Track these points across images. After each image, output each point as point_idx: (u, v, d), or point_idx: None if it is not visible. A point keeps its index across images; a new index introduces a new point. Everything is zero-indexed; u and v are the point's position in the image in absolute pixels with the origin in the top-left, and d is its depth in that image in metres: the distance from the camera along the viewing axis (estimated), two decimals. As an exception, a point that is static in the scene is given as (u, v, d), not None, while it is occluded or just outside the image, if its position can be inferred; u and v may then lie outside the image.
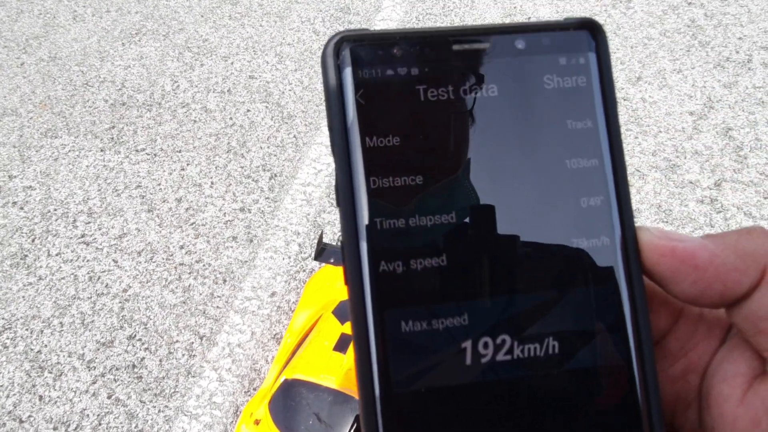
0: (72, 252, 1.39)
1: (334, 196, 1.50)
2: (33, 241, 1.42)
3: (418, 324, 0.19)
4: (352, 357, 0.91)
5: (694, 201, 1.44)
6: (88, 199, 1.51)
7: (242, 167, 1.58)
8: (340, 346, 0.93)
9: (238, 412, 1.11)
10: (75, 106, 1.79)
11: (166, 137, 1.67)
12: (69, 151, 1.65)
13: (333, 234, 1.41)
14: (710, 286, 0.19)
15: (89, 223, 1.46)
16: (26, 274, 1.35)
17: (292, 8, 2.17)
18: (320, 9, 2.16)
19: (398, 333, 0.19)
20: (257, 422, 0.91)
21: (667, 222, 1.40)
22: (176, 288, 1.31)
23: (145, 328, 1.24)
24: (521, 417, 0.19)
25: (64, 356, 1.21)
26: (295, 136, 1.67)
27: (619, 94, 1.71)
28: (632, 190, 1.45)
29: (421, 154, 0.20)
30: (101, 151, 1.64)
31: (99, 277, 1.34)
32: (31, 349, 1.22)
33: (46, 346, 1.23)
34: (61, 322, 1.26)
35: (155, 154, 1.62)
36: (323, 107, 1.76)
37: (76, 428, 1.10)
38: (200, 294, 1.30)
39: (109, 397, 1.14)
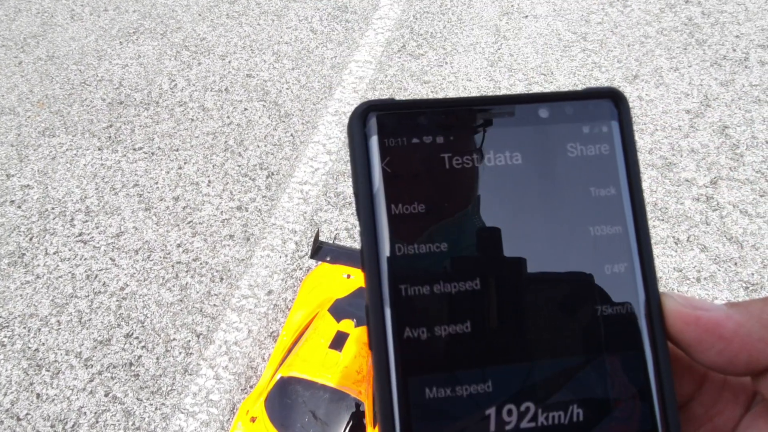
0: (69, 250, 1.40)
1: (327, 195, 1.50)
2: (31, 239, 1.43)
3: (442, 390, 0.19)
4: (348, 354, 0.91)
5: (690, 199, 1.45)
6: (85, 197, 1.52)
7: (239, 166, 1.58)
8: (336, 343, 0.93)
9: (235, 410, 1.11)
10: (73, 104, 1.79)
11: (164, 136, 1.68)
12: (67, 149, 1.65)
13: (329, 232, 1.41)
14: (736, 356, 0.19)
15: (87, 221, 1.46)
16: (24, 272, 1.36)
17: (290, 7, 2.17)
18: (318, 7, 2.16)
19: (422, 399, 0.19)
20: (253, 420, 0.91)
21: (663, 220, 1.40)
22: (173, 286, 1.31)
23: (143, 326, 1.25)
24: None
25: (61, 354, 1.21)
26: (292, 135, 1.67)
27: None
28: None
29: (446, 221, 0.20)
30: (99, 149, 1.65)
31: (96, 276, 1.34)
32: (29, 347, 1.23)
33: (43, 344, 1.23)
34: (58, 321, 1.27)
35: (153, 153, 1.63)
36: (320, 106, 1.76)
37: (73, 426, 1.11)
38: (197, 292, 1.30)
39: (106, 395, 1.15)
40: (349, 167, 1.57)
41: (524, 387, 0.20)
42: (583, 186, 0.21)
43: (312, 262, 1.31)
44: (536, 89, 1.76)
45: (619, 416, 0.20)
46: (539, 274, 0.20)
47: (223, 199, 1.50)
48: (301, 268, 1.34)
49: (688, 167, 1.52)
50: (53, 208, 1.50)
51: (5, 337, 1.24)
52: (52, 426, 1.11)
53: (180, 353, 1.20)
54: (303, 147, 1.64)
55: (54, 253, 1.39)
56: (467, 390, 0.19)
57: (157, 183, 1.54)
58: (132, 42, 2.03)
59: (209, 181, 1.54)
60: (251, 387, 1.14)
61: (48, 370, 1.19)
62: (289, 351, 1.01)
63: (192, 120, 1.72)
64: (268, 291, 1.30)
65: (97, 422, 1.11)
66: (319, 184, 1.53)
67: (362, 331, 0.95)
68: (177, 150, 1.63)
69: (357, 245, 1.32)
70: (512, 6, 2.13)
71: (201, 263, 1.36)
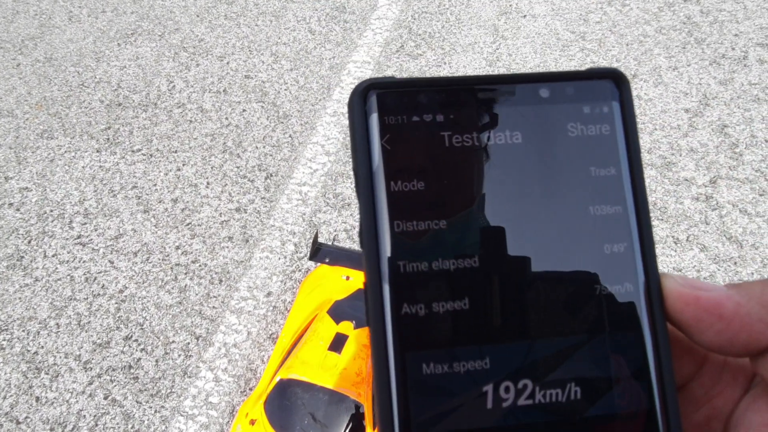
0: (68, 253, 1.40)
1: (326, 196, 1.50)
2: (29, 242, 1.43)
3: (439, 367, 0.19)
4: (348, 356, 0.91)
5: (690, 198, 1.44)
6: (84, 200, 1.52)
7: (238, 167, 1.58)
8: (335, 345, 0.93)
9: (234, 412, 1.11)
10: (71, 107, 1.79)
11: (162, 138, 1.67)
12: (65, 152, 1.65)
13: (328, 234, 1.41)
14: (735, 336, 0.19)
15: (85, 224, 1.46)
16: (23, 275, 1.36)
17: (288, 7, 2.17)
18: (316, 8, 2.16)
19: (419, 375, 0.19)
20: (253, 422, 0.91)
21: (662, 219, 1.40)
22: (172, 288, 1.31)
23: (142, 328, 1.25)
24: None
25: (60, 357, 1.21)
26: (290, 136, 1.67)
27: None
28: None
29: (445, 199, 0.20)
30: (97, 151, 1.64)
31: (95, 278, 1.34)
32: (28, 351, 1.22)
33: (42, 347, 1.23)
34: (57, 324, 1.26)
35: (151, 155, 1.62)
36: (319, 106, 1.76)
37: (72, 429, 1.11)
38: (196, 294, 1.30)
39: (105, 398, 1.15)
40: (347, 170, 1.57)
41: (522, 365, 0.20)
42: (584, 166, 0.21)
43: (311, 263, 1.31)
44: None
45: (617, 395, 0.20)
46: (538, 253, 0.20)
47: (222, 201, 1.49)
48: (300, 270, 1.34)
49: (688, 166, 1.52)
50: (52, 211, 1.49)
51: (4, 340, 1.24)
52: (51, 429, 1.11)
53: (179, 356, 1.20)
54: (302, 148, 1.63)
55: (53, 256, 1.39)
56: (465, 367, 0.19)
57: (155, 185, 1.54)
58: (130, 43, 2.02)
59: (208, 183, 1.54)
60: (250, 389, 1.14)
61: (47, 373, 1.19)
62: (289, 353, 1.01)
63: (190, 121, 1.72)
64: (267, 293, 1.30)
65: (97, 425, 1.11)
66: (317, 186, 1.53)
67: (361, 332, 0.95)
68: (175, 152, 1.63)
69: (356, 247, 1.32)
70: (510, 6, 2.13)
71: (200, 265, 1.35)
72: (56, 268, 1.37)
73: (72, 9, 2.21)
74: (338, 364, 0.90)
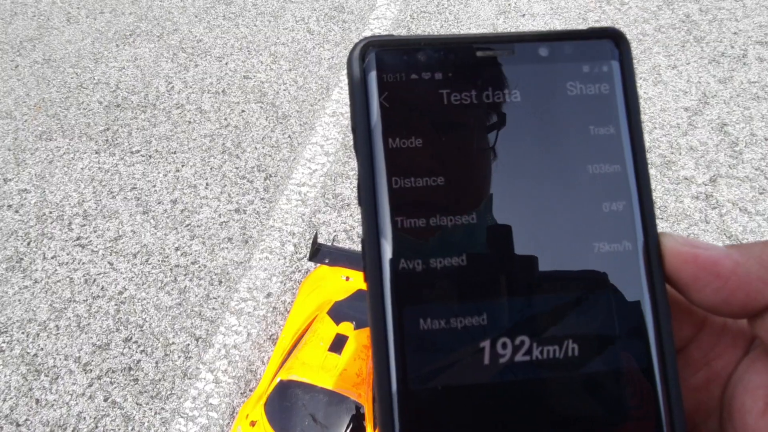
0: (67, 255, 1.39)
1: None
2: (28, 244, 1.42)
3: (436, 322, 0.19)
4: (348, 356, 0.91)
5: (690, 197, 1.44)
6: (83, 201, 1.51)
7: (237, 168, 1.58)
8: (336, 346, 0.93)
9: (235, 414, 1.11)
10: (69, 108, 1.79)
11: (161, 139, 1.67)
12: (64, 153, 1.64)
13: (328, 234, 1.41)
14: (732, 295, 0.19)
15: (84, 225, 1.46)
16: (22, 277, 1.35)
17: (286, 7, 2.16)
18: (314, 8, 2.16)
19: (416, 330, 0.19)
20: (253, 423, 0.91)
21: (662, 218, 1.40)
22: (172, 290, 1.31)
23: (141, 330, 1.24)
24: (537, 418, 0.19)
25: (60, 359, 1.21)
26: (289, 137, 1.67)
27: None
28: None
29: (443, 155, 0.20)
30: (96, 153, 1.64)
31: (95, 280, 1.34)
32: (28, 353, 1.22)
33: (42, 349, 1.23)
34: (57, 325, 1.26)
35: (150, 156, 1.62)
36: (318, 107, 1.75)
37: (72, 431, 1.10)
38: (196, 296, 1.30)
39: (105, 400, 1.14)
40: (347, 170, 1.56)
41: (519, 321, 0.20)
42: (583, 124, 0.21)
43: (311, 264, 1.31)
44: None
45: (615, 353, 0.20)
46: (536, 210, 0.20)
47: (221, 202, 1.49)
48: (299, 271, 1.34)
49: (687, 165, 1.52)
50: (51, 212, 1.49)
51: (4, 342, 1.24)
52: (51, 431, 1.11)
53: (179, 357, 1.20)
54: (301, 149, 1.63)
55: (52, 258, 1.39)
56: (462, 322, 0.19)
57: (154, 186, 1.54)
58: (128, 44, 2.02)
59: (207, 184, 1.54)
60: (251, 390, 1.14)
61: (47, 376, 1.19)
62: (289, 354, 1.01)
63: (189, 122, 1.72)
64: (267, 294, 1.30)
65: (97, 427, 1.11)
66: (317, 186, 1.53)
67: (361, 333, 0.95)
68: (174, 153, 1.63)
69: (356, 247, 1.32)
70: (509, 5, 2.12)
71: (199, 266, 1.35)
72: (55, 270, 1.36)
73: (70, 10, 2.20)
74: (338, 365, 0.90)
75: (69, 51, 2.00)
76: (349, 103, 0.21)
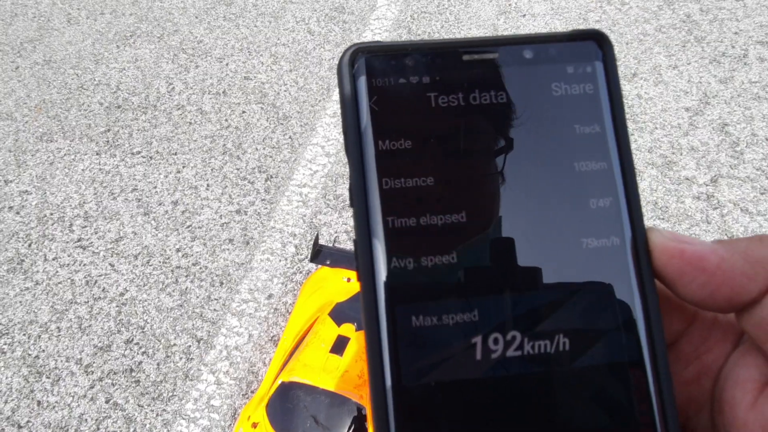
0: (69, 256, 1.39)
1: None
2: (29, 245, 1.42)
3: (428, 319, 0.20)
4: (349, 358, 0.91)
5: (691, 197, 1.44)
6: (84, 202, 1.51)
7: (238, 169, 1.58)
8: (337, 348, 0.93)
9: (236, 415, 1.11)
10: (70, 109, 1.79)
11: (162, 140, 1.67)
12: (65, 154, 1.64)
13: (329, 235, 1.41)
14: (718, 289, 0.19)
15: (85, 227, 1.46)
16: (23, 279, 1.35)
17: (287, 8, 2.16)
18: (315, 9, 2.15)
19: (409, 327, 0.19)
20: (255, 425, 0.91)
21: (663, 219, 1.40)
22: (173, 291, 1.31)
23: (143, 331, 1.24)
24: (530, 413, 0.19)
25: (61, 361, 1.21)
26: (290, 137, 1.67)
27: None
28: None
29: (432, 156, 0.21)
30: (97, 154, 1.64)
31: (96, 281, 1.34)
32: (29, 354, 1.22)
33: (43, 350, 1.23)
34: (58, 327, 1.26)
35: (151, 157, 1.62)
36: (318, 108, 1.75)
37: (74, 433, 1.11)
38: (197, 297, 1.30)
39: (107, 402, 1.14)
40: (348, 171, 1.56)
41: (510, 317, 0.20)
42: (568, 123, 0.21)
43: (312, 265, 1.31)
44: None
45: (606, 347, 0.20)
46: (524, 207, 0.21)
47: (222, 203, 1.49)
48: (301, 272, 1.34)
49: (688, 165, 1.52)
50: (52, 214, 1.49)
51: (5, 344, 1.24)
52: (53, 433, 1.11)
53: (180, 359, 1.20)
54: (302, 149, 1.63)
55: (53, 259, 1.39)
56: (453, 319, 0.20)
57: (155, 187, 1.54)
58: (129, 45, 2.02)
59: (208, 185, 1.54)
60: (252, 392, 1.14)
61: (48, 377, 1.19)
62: (290, 356, 1.01)
63: (190, 123, 1.72)
64: (269, 295, 1.30)
65: (98, 429, 1.11)
66: (318, 187, 1.52)
67: (363, 335, 0.95)
68: (175, 154, 1.63)
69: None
70: (510, 5, 2.12)
71: (201, 268, 1.35)
72: (57, 272, 1.36)
73: (71, 11, 2.20)
74: (340, 367, 0.90)
75: (69, 52, 2.00)
76: (339, 107, 0.22)
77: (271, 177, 1.56)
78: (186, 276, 1.34)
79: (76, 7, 2.22)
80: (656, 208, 1.42)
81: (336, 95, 1.80)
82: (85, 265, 1.37)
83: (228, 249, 1.39)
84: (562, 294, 0.20)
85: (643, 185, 1.47)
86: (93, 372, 1.19)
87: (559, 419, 0.19)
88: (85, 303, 1.30)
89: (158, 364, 1.19)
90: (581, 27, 2.02)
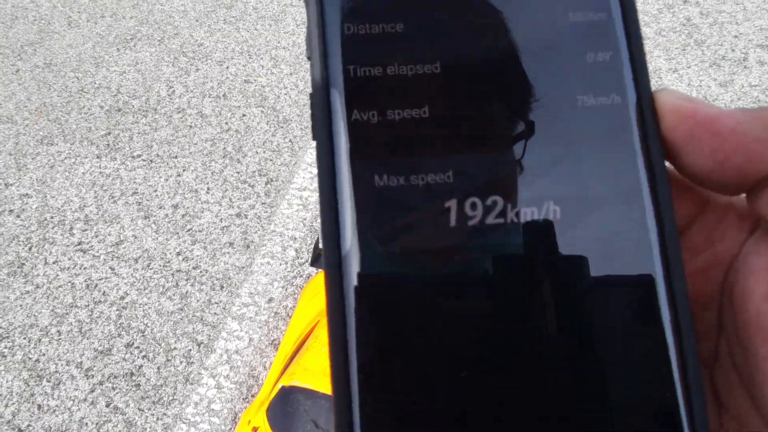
0: (69, 260, 1.39)
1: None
2: (30, 249, 1.42)
3: (394, 179, 0.17)
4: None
5: (691, 201, 1.44)
6: (84, 206, 1.51)
7: (238, 172, 1.58)
8: (338, 352, 0.93)
9: (237, 419, 1.11)
10: (71, 112, 1.79)
11: (162, 143, 1.67)
12: (65, 158, 1.64)
13: (330, 239, 1.41)
14: (729, 158, 0.16)
15: (86, 230, 1.46)
16: (23, 282, 1.35)
17: (287, 11, 2.17)
18: (315, 12, 2.16)
19: (370, 187, 0.17)
20: (255, 429, 0.91)
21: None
22: (173, 295, 1.31)
23: (143, 335, 1.24)
24: (511, 283, 0.17)
25: (62, 365, 1.21)
26: (290, 141, 1.67)
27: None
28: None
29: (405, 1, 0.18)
30: (97, 157, 1.64)
31: (96, 285, 1.34)
32: (29, 358, 1.22)
33: (44, 354, 1.23)
34: (58, 331, 1.26)
35: (151, 161, 1.62)
36: (319, 111, 1.75)
37: (74, 437, 1.10)
38: (198, 301, 1.30)
39: (107, 406, 1.14)
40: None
41: (491, 179, 0.17)
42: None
43: (312, 269, 1.31)
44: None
45: (602, 216, 0.17)
46: (510, 57, 0.17)
47: (223, 207, 1.49)
48: (301, 276, 1.34)
49: (688, 169, 1.52)
50: (52, 217, 1.49)
51: (5, 347, 1.24)
52: (53, 437, 1.11)
53: (181, 362, 1.20)
54: (302, 153, 1.63)
55: (53, 263, 1.39)
56: (423, 179, 0.17)
57: (156, 191, 1.54)
58: (129, 48, 2.02)
59: (208, 189, 1.54)
60: (253, 396, 1.14)
61: (49, 381, 1.18)
62: (291, 360, 1.01)
63: (190, 127, 1.72)
64: (269, 299, 1.30)
65: (99, 433, 1.11)
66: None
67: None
68: (176, 157, 1.63)
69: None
70: (510, 8, 2.13)
71: (201, 271, 1.35)
72: (57, 275, 1.36)
73: (71, 14, 2.21)
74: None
75: (70, 55, 2.01)
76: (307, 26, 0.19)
77: (272, 180, 1.56)
78: (186, 279, 1.34)
79: (76, 11, 2.23)
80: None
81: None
82: (85, 268, 1.37)
83: (228, 252, 1.39)
84: (553, 156, 0.17)
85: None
86: (93, 376, 1.19)
87: (542, 293, 0.17)
88: (86, 306, 1.30)
89: (159, 368, 1.19)
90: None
